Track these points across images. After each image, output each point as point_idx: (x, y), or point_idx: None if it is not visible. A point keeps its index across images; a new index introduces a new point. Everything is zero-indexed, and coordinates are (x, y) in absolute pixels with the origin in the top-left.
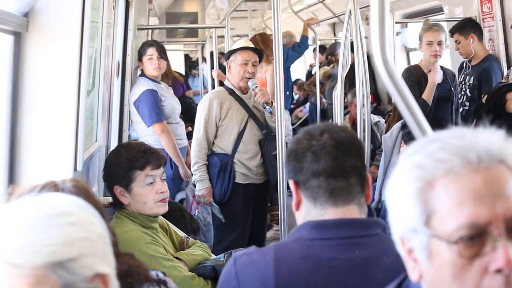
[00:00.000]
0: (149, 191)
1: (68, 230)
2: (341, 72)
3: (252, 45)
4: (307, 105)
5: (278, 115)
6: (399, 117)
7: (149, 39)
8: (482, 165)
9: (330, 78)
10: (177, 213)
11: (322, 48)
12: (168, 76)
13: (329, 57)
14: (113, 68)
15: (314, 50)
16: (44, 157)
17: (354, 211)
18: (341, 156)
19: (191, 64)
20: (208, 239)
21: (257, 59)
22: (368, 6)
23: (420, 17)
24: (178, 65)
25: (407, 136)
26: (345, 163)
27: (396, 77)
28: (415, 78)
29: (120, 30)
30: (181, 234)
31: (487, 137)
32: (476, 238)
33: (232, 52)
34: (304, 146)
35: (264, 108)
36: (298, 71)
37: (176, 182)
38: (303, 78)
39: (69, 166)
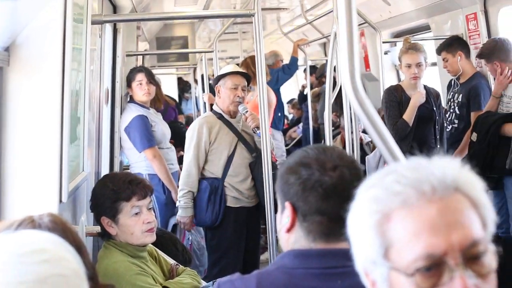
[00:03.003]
0: (135, 222)
1: (41, 267)
2: (328, 94)
3: (240, 70)
4: (301, 125)
5: (264, 136)
6: None
7: (139, 64)
8: (436, 195)
9: (318, 97)
10: (170, 244)
11: (314, 68)
12: (159, 100)
13: (319, 78)
14: (101, 95)
15: (305, 70)
16: (29, 190)
17: (343, 246)
18: (347, 199)
19: (183, 87)
20: (202, 263)
21: (246, 84)
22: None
23: (408, 36)
24: (171, 89)
25: None
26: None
27: (366, 105)
28: (395, 98)
29: (108, 57)
30: (171, 261)
31: (441, 167)
32: (433, 269)
33: (221, 77)
34: (316, 179)
35: (255, 132)
36: (291, 91)
37: (169, 206)
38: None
39: (54, 198)
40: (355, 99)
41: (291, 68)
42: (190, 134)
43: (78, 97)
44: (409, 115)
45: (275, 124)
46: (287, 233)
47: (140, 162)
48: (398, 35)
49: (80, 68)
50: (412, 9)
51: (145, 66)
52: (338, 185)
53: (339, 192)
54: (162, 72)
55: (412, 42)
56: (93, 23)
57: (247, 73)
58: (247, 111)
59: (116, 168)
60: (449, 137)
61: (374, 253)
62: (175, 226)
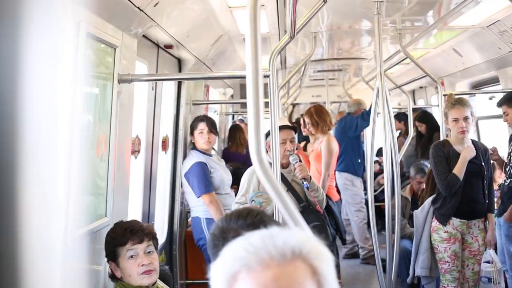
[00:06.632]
0: (131, 264)
1: None
2: (371, 143)
3: (287, 123)
4: None
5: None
6: (431, 192)
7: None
8: (274, 262)
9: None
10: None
11: (404, 115)
12: (242, 144)
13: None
14: (154, 143)
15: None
16: (38, 234)
17: None
18: None
19: None
20: None
21: (294, 135)
22: (396, 86)
23: (476, 88)
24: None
25: (438, 211)
26: None
27: (269, 173)
28: (443, 153)
29: (171, 106)
30: None
31: (285, 237)
32: None
33: (269, 133)
34: (220, 248)
35: (303, 183)
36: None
37: None
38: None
39: (58, 242)
40: (260, 169)
41: (370, 115)
42: (243, 182)
43: (101, 148)
44: (459, 170)
45: (354, 171)
46: None
47: (198, 207)
48: (474, 86)
49: (105, 122)
50: (481, 61)
51: (207, 116)
52: None
53: None
54: None
55: (458, 97)
56: (120, 81)
57: (292, 126)
58: (296, 162)
59: (177, 211)
60: (507, 191)
61: None
62: None
